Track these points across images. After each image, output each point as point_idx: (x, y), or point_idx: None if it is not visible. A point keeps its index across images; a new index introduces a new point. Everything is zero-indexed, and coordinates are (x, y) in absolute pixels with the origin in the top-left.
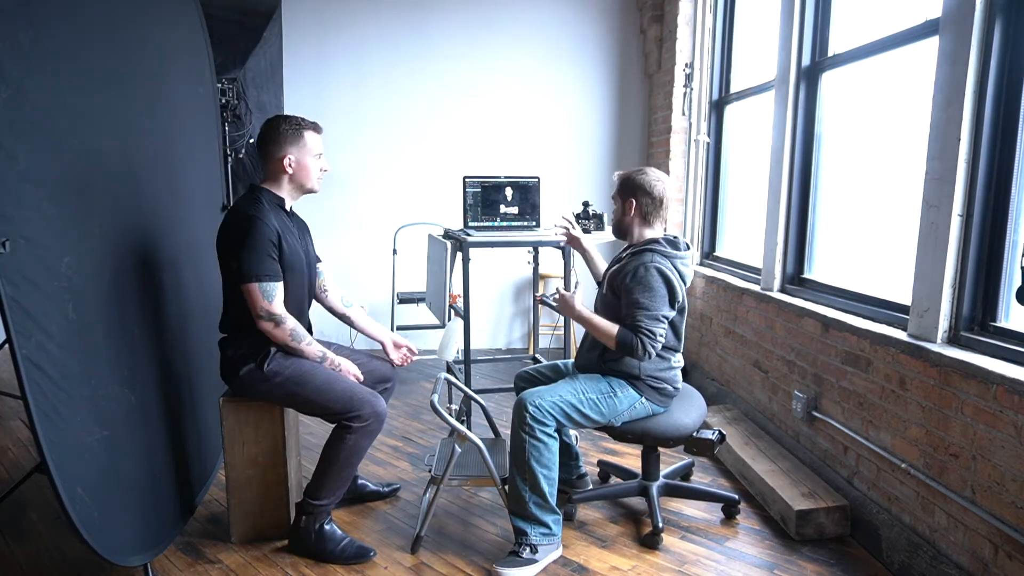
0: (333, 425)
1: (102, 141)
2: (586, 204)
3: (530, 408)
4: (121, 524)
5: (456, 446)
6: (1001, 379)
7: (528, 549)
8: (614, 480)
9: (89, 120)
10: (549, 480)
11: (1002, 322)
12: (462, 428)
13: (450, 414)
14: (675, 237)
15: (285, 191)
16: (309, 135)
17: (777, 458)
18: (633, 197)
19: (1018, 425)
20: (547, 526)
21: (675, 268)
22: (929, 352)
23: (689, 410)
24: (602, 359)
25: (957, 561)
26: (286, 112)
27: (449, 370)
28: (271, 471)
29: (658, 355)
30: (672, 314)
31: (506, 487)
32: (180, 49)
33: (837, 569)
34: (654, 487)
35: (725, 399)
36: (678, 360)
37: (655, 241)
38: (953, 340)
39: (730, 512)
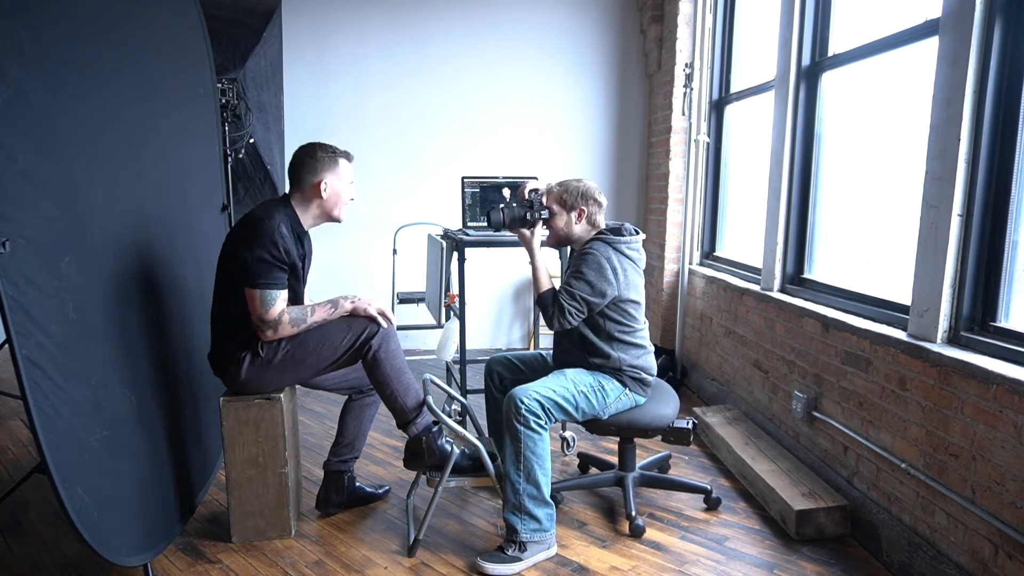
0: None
1: (102, 141)
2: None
3: (526, 400)
4: (121, 524)
5: (455, 447)
6: (1001, 379)
7: (515, 547)
8: (593, 471)
9: (89, 120)
10: (544, 471)
11: (1002, 322)
12: (461, 430)
13: (449, 416)
14: (620, 225)
15: (310, 215)
16: (343, 163)
17: (777, 458)
18: (584, 206)
19: (1018, 425)
20: (538, 520)
21: (622, 253)
22: (929, 352)
23: (668, 401)
24: (585, 355)
25: (957, 561)
26: (286, 112)
27: (448, 370)
28: (271, 471)
29: (631, 343)
30: (597, 301)
31: (503, 484)
32: (180, 49)
33: (837, 569)
34: (630, 477)
35: (725, 399)
36: (649, 344)
37: (599, 232)
38: (953, 340)
39: (711, 503)
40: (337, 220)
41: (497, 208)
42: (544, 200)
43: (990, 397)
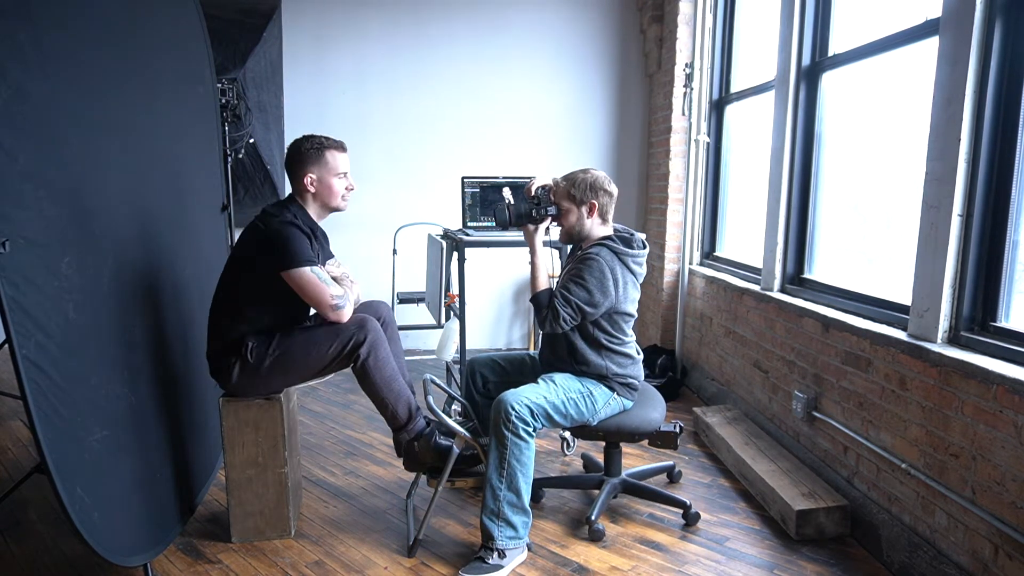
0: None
1: (102, 141)
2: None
3: (516, 407)
4: (121, 524)
5: (455, 447)
6: (1001, 379)
7: (495, 554)
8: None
9: (89, 120)
10: (526, 479)
11: (1002, 322)
12: (461, 430)
13: (449, 416)
14: (631, 234)
15: (313, 210)
16: (331, 154)
17: (777, 458)
18: (595, 199)
19: (1018, 425)
20: (515, 528)
21: (626, 266)
22: (929, 352)
23: (656, 405)
24: (572, 360)
25: (957, 561)
26: (286, 112)
27: (448, 370)
28: (271, 471)
29: (619, 352)
30: (591, 311)
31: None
32: (180, 49)
33: (837, 569)
34: (610, 483)
35: (725, 399)
36: (637, 353)
37: (608, 238)
38: (953, 340)
39: (689, 518)
40: (337, 210)
41: (502, 206)
42: (552, 197)
43: (990, 397)
